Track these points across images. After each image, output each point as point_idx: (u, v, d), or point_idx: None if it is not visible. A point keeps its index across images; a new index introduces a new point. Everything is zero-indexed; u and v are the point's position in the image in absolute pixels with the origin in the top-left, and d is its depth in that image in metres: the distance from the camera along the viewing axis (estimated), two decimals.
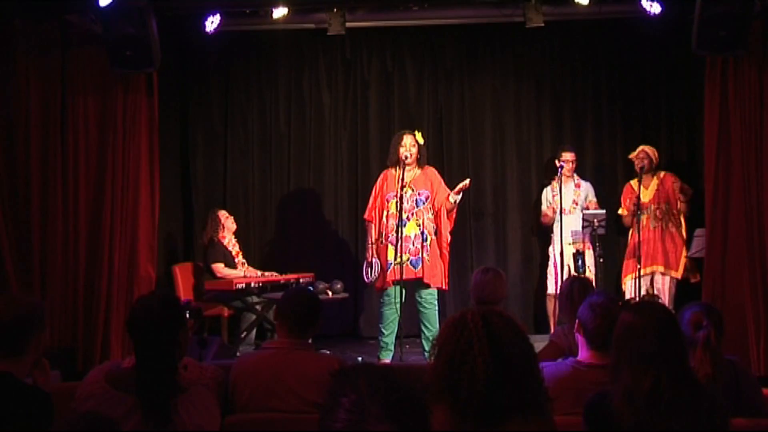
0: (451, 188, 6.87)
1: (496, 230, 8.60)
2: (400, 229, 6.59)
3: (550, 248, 7.91)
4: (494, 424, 2.10)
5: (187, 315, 3.74)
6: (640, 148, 7.69)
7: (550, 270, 7.88)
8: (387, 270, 6.71)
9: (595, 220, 7.45)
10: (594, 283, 6.58)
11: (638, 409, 2.48)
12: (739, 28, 5.90)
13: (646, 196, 7.56)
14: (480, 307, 2.27)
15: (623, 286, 7.62)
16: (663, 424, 2.45)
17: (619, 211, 7.91)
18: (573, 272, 7.32)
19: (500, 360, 2.11)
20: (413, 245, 6.71)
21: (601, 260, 7.51)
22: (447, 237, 6.92)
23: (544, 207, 8.01)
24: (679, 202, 7.60)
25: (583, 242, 7.67)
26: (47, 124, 6.58)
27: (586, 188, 7.92)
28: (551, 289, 7.86)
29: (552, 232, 7.90)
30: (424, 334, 6.80)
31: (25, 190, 6.51)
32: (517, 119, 8.63)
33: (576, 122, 8.58)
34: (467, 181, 6.86)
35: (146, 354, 2.77)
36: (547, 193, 7.99)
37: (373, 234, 6.93)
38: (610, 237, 7.87)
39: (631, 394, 2.50)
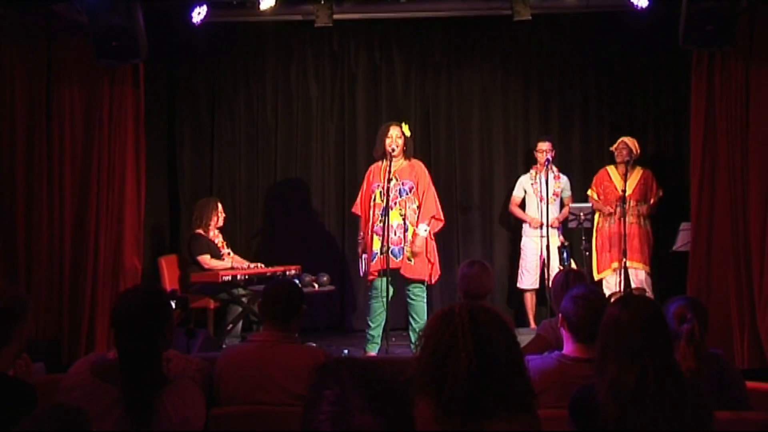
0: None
1: (482, 224, 8.61)
2: (386, 218, 6.58)
3: (522, 242, 7.92)
4: (478, 419, 2.10)
5: (173, 305, 3.71)
6: (620, 139, 7.73)
7: (524, 264, 7.88)
8: (372, 261, 6.72)
9: (581, 214, 7.48)
10: None
11: (623, 403, 2.49)
12: (726, 23, 5.91)
13: (627, 189, 7.55)
14: (468, 302, 2.28)
15: (602, 281, 7.62)
16: (648, 418, 2.46)
17: (588, 192, 7.90)
18: (558, 265, 7.34)
19: (484, 355, 2.12)
20: (395, 235, 6.71)
21: (587, 253, 7.53)
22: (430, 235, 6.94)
23: (518, 193, 7.99)
24: (650, 201, 7.63)
25: (560, 234, 7.72)
26: (32, 115, 6.53)
27: (565, 182, 7.95)
28: (525, 284, 7.86)
29: (522, 224, 7.93)
30: (412, 326, 6.81)
31: (10, 181, 6.47)
32: (504, 113, 8.64)
33: (563, 116, 8.60)
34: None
35: (129, 347, 2.76)
36: (525, 182, 7.97)
37: (363, 227, 6.94)
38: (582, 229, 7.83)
39: (617, 388, 2.51)
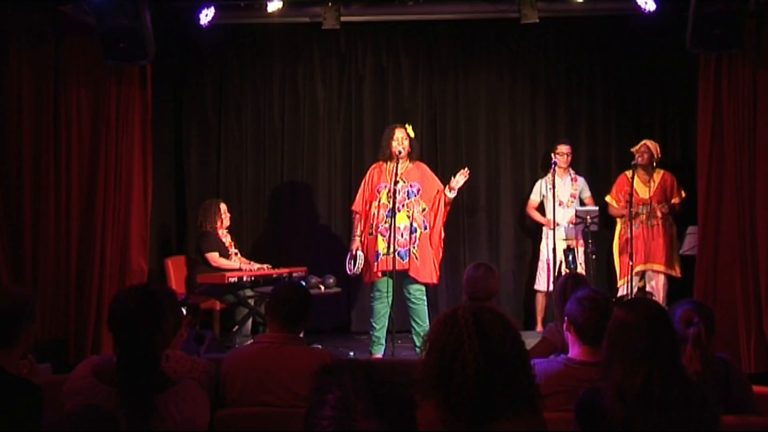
0: (445, 182, 6.88)
1: (489, 226, 8.60)
2: (392, 220, 6.58)
3: (542, 244, 7.91)
4: (485, 422, 2.10)
5: (185, 311, 3.72)
6: (643, 141, 7.71)
7: (541, 266, 7.88)
8: (375, 261, 6.71)
9: (588, 217, 7.47)
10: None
11: (629, 406, 2.49)
12: (734, 26, 5.89)
13: (646, 192, 7.56)
14: (471, 304, 2.27)
15: (619, 284, 7.60)
16: (654, 421, 2.46)
17: (607, 198, 7.88)
18: (565, 268, 7.33)
19: (490, 357, 2.11)
20: (402, 237, 6.70)
21: (594, 257, 7.51)
22: (441, 232, 6.91)
23: (535, 197, 7.99)
24: (672, 201, 7.61)
25: (576, 239, 7.70)
26: (40, 115, 6.55)
27: (582, 183, 7.94)
28: (540, 285, 7.86)
29: (542, 227, 7.92)
30: (415, 329, 6.80)
31: (17, 182, 6.48)
32: (511, 115, 8.63)
33: (570, 118, 8.59)
34: (466, 171, 6.85)
35: (126, 348, 2.75)
36: (542, 186, 7.97)
37: (360, 226, 6.93)
38: (599, 232, 7.81)
39: (623, 391, 2.51)
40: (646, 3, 6.43)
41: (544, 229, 7.91)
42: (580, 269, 7.44)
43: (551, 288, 7.65)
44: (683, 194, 7.63)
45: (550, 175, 7.80)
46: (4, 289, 4.02)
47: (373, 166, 7.08)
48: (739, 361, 5.92)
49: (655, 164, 7.66)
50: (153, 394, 2.69)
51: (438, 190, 6.88)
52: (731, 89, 6.27)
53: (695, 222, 6.77)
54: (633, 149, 7.72)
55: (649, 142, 7.69)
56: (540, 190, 7.98)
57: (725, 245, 6.36)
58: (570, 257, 7.46)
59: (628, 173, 7.64)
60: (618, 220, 7.80)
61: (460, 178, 6.80)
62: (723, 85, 6.30)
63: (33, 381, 2.97)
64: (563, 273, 7.05)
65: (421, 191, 6.83)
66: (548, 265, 7.61)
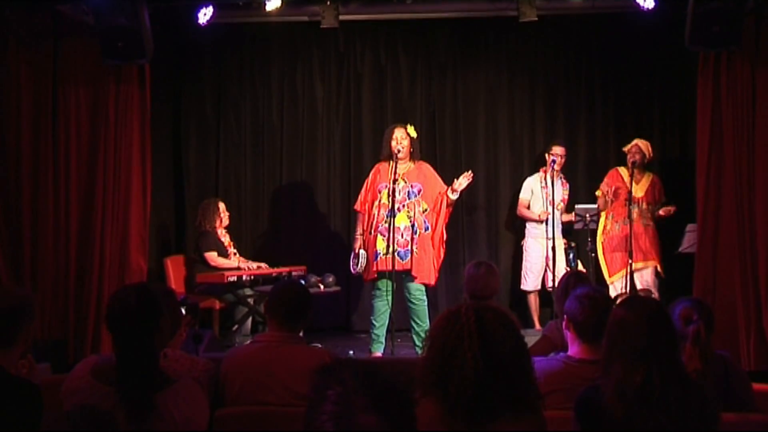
0: (447, 182, 6.88)
1: (488, 224, 8.60)
2: (391, 220, 6.58)
3: (524, 242, 7.89)
4: (484, 421, 2.09)
5: (184, 311, 3.73)
6: (634, 142, 7.69)
7: (527, 266, 7.85)
8: (375, 260, 6.71)
9: (587, 215, 7.47)
10: None
11: (629, 404, 2.48)
12: (733, 23, 5.90)
13: (639, 191, 7.56)
14: (474, 302, 2.27)
15: (613, 282, 7.58)
16: (654, 419, 2.46)
17: (597, 192, 7.85)
18: (566, 266, 7.32)
19: (490, 357, 2.11)
20: (402, 237, 6.70)
21: (593, 255, 7.51)
22: (443, 233, 6.91)
23: (526, 196, 7.92)
24: (659, 212, 7.61)
25: (561, 237, 7.69)
26: (38, 115, 6.54)
27: (567, 189, 7.92)
28: (529, 285, 7.82)
29: (526, 225, 7.89)
30: (414, 329, 6.80)
31: (16, 182, 6.47)
32: (510, 114, 8.63)
33: (569, 117, 8.58)
34: (470, 174, 6.86)
35: (125, 347, 2.75)
36: (532, 184, 7.92)
37: (362, 225, 6.94)
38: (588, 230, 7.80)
39: (623, 389, 2.51)
40: (644, 0, 6.43)
41: (528, 227, 7.87)
42: (580, 267, 7.44)
43: (550, 286, 7.67)
44: (666, 205, 7.63)
45: (542, 173, 7.78)
46: (3, 288, 4.02)
47: (376, 165, 7.08)
48: (739, 359, 5.92)
49: (646, 162, 7.64)
50: (152, 393, 2.69)
51: (440, 192, 6.87)
52: (730, 87, 6.27)
53: (693, 219, 6.77)
54: (625, 149, 7.71)
55: (641, 142, 7.68)
56: (530, 187, 7.93)
57: (724, 243, 6.36)
58: (571, 255, 7.45)
59: (620, 169, 7.66)
60: (602, 216, 7.76)
61: (463, 181, 6.80)
62: (722, 83, 6.30)
63: (32, 381, 2.97)
64: (564, 271, 7.02)
65: (422, 191, 6.83)
66: (547, 262, 7.58)
